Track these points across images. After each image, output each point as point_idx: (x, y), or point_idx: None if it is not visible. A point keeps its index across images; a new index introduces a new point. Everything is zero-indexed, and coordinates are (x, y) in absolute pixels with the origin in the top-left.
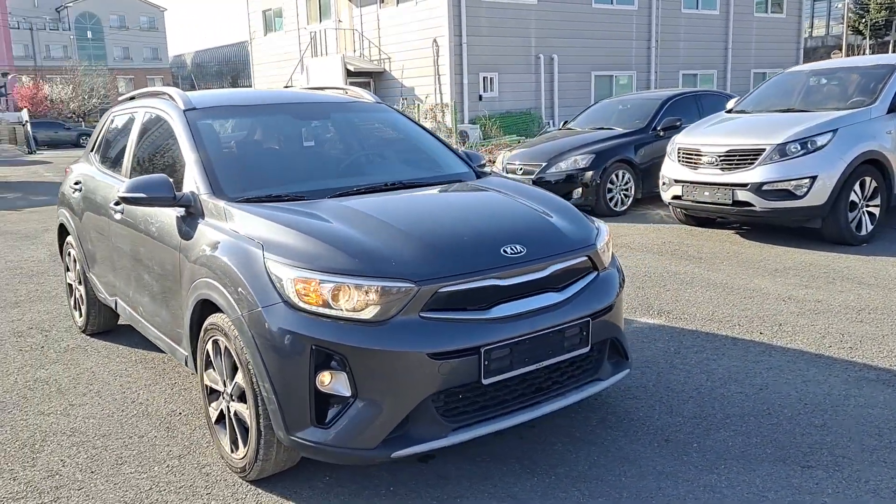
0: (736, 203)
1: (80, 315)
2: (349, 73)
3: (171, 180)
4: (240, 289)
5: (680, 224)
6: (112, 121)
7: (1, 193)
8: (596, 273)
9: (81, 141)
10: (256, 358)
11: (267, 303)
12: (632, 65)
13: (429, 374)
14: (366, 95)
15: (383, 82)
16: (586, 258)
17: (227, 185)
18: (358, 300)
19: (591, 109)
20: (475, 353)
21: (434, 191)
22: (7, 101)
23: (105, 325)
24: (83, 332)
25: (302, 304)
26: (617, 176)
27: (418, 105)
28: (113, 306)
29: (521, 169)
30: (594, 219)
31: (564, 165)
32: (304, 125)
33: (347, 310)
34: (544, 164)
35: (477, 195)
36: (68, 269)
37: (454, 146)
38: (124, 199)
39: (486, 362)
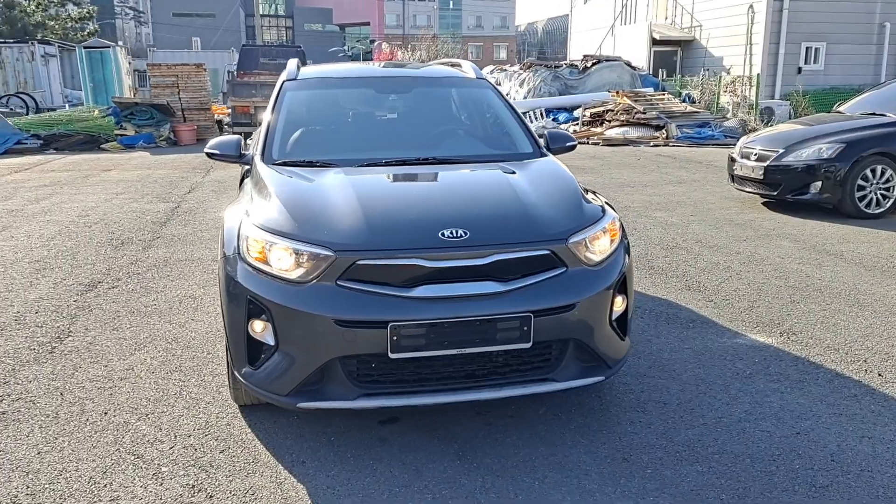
0: None
1: None
2: (654, 42)
3: (242, 141)
4: (225, 234)
5: None
6: None
7: None
8: (562, 269)
9: None
10: (221, 298)
11: (230, 251)
12: None
13: (335, 339)
14: (469, 71)
15: (690, 51)
16: (548, 252)
17: (277, 148)
18: (287, 261)
19: (876, 92)
20: (382, 326)
21: (452, 170)
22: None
23: None
24: None
25: (248, 258)
26: (873, 172)
27: (720, 77)
28: None
29: (755, 154)
30: (605, 212)
31: (805, 154)
32: (384, 98)
33: (278, 269)
34: (781, 151)
35: (479, 175)
36: None
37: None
38: (206, 153)
39: (395, 338)
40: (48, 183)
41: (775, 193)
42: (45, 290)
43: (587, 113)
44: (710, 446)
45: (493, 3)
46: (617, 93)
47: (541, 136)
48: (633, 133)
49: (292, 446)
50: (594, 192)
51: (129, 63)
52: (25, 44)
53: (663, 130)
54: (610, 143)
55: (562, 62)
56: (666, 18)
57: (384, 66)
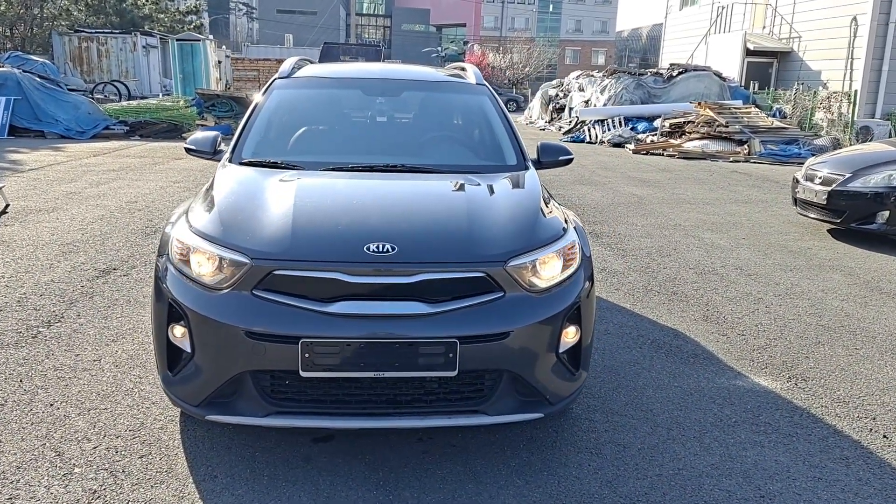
0: None
1: None
2: (748, 52)
3: (219, 138)
4: (163, 234)
5: None
6: None
7: None
8: (498, 294)
9: (508, 106)
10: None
11: (163, 252)
12: None
13: (245, 352)
14: (470, 76)
15: (787, 63)
16: (482, 275)
17: (248, 147)
18: (206, 266)
19: None
20: (294, 342)
21: (416, 180)
22: None
23: None
24: None
25: (174, 261)
26: None
27: (814, 92)
28: None
29: (820, 177)
30: (565, 233)
31: (874, 180)
32: (371, 100)
33: (198, 274)
34: (848, 175)
35: (436, 188)
36: None
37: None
38: (185, 149)
39: (307, 355)
40: (117, 168)
41: (838, 221)
42: (61, 273)
43: (667, 123)
44: (654, 502)
45: (594, 8)
46: (700, 104)
47: (617, 142)
48: (713, 147)
49: (213, 458)
50: (566, 211)
51: (227, 56)
52: (129, 34)
53: (746, 146)
54: (686, 156)
55: (647, 70)
56: (763, 28)
57: (386, 68)
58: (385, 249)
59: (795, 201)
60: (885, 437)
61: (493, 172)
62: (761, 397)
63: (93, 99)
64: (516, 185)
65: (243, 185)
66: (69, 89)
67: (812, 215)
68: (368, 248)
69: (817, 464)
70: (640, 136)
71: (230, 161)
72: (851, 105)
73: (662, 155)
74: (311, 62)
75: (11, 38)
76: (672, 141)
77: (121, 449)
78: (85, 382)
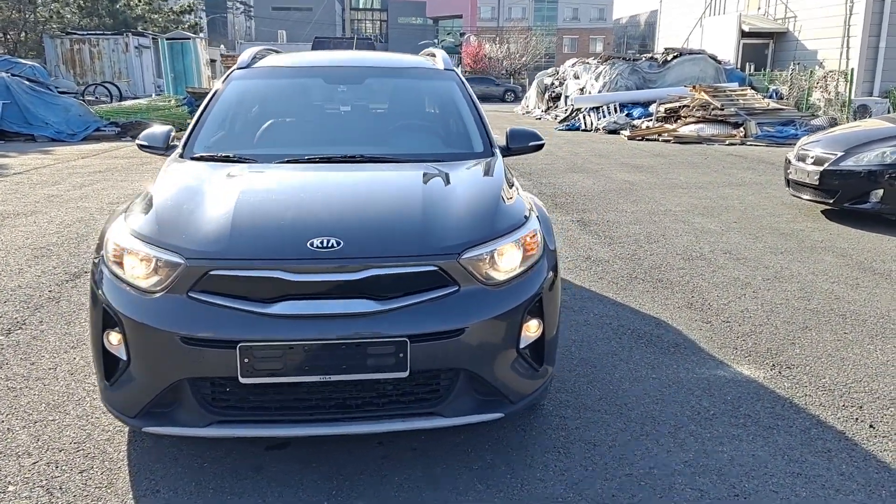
0: None
1: None
2: (743, 34)
3: (172, 133)
4: (101, 234)
5: None
6: None
7: None
8: (453, 289)
9: (506, 96)
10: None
11: (99, 254)
12: None
13: (182, 358)
14: (438, 62)
15: (783, 44)
16: (435, 269)
17: (201, 141)
18: (140, 268)
19: None
20: (232, 347)
21: (373, 170)
22: (458, 58)
23: None
24: None
25: (109, 262)
26: None
27: (811, 72)
28: None
29: (812, 157)
30: (527, 221)
31: (868, 158)
32: (331, 89)
33: (132, 276)
34: (840, 154)
35: (392, 178)
36: None
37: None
38: (137, 145)
39: (246, 360)
40: (104, 169)
41: (831, 201)
42: (31, 277)
43: (662, 108)
44: None
45: None
46: (695, 87)
47: (612, 129)
48: (708, 130)
49: (158, 471)
50: (532, 199)
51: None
52: (121, 35)
53: (741, 128)
54: (682, 140)
55: (641, 55)
56: (758, 9)
57: (351, 56)
58: (330, 245)
59: (788, 182)
60: (871, 426)
61: (458, 161)
62: (743, 387)
63: (84, 101)
64: (478, 173)
65: (187, 181)
66: (60, 92)
67: (805, 196)
68: (312, 244)
69: (797, 458)
70: (635, 122)
71: (181, 156)
72: (848, 83)
73: (658, 140)
74: (277, 52)
75: (4, 42)
76: (667, 126)
77: (62, 464)
78: (36, 393)
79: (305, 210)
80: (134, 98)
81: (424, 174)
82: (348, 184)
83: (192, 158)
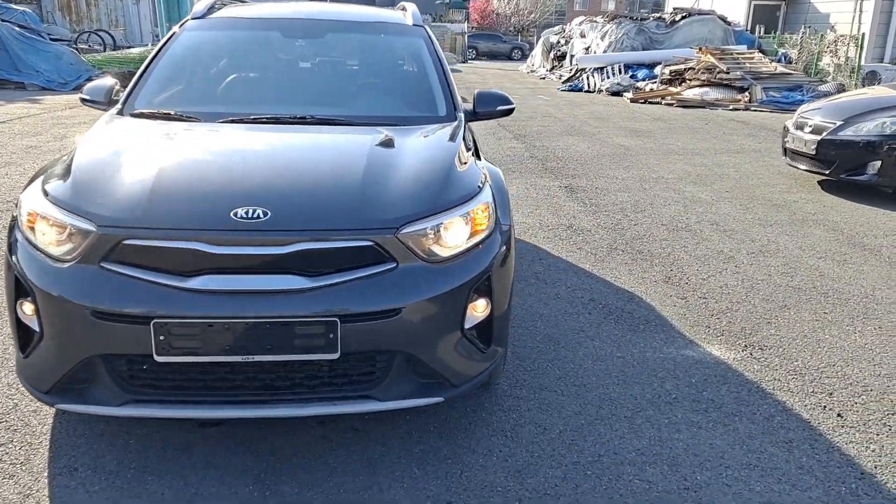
0: None
1: None
2: None
3: (115, 87)
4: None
5: None
6: None
7: None
8: (390, 265)
9: (513, 54)
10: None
11: (15, 216)
12: None
13: (93, 333)
14: (408, 17)
15: (795, 6)
16: (370, 244)
17: (141, 97)
18: (51, 234)
19: None
20: (145, 323)
21: (319, 133)
22: (466, 13)
23: None
24: None
25: (24, 227)
26: None
27: (821, 36)
28: None
29: (810, 126)
30: (480, 192)
31: (867, 128)
32: (289, 44)
33: (44, 243)
34: (839, 124)
35: (335, 142)
36: None
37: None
38: (80, 99)
39: (162, 337)
40: (88, 121)
41: (827, 172)
42: None
43: (667, 70)
44: (562, 496)
45: None
46: (700, 49)
47: (616, 90)
48: (713, 94)
49: (81, 447)
50: (491, 168)
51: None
52: None
53: (747, 93)
54: (685, 104)
55: (649, 15)
56: None
57: (314, 8)
58: (255, 215)
59: (785, 151)
60: (839, 415)
61: (417, 125)
62: (709, 369)
63: (77, 49)
64: (434, 140)
65: (115, 140)
66: (52, 39)
67: (801, 166)
68: (236, 214)
69: (756, 448)
70: (639, 84)
71: (121, 113)
72: (859, 49)
73: (661, 103)
74: (241, 2)
75: None
76: (671, 89)
77: None
78: None
79: (234, 177)
80: (129, 47)
81: (374, 139)
82: (286, 148)
83: (133, 115)
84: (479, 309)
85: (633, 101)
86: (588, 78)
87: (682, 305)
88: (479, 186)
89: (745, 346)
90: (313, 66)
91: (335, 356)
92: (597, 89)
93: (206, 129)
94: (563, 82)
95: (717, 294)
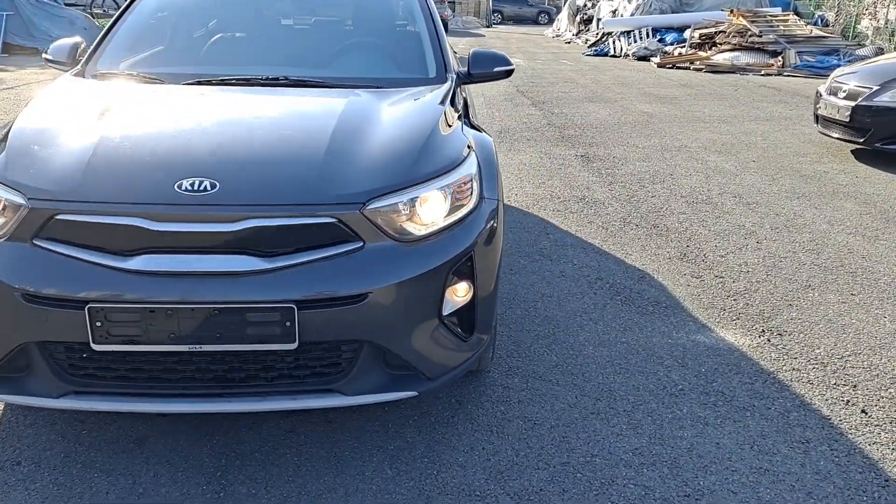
0: None
1: None
2: None
3: (80, 46)
4: None
5: None
6: None
7: None
8: (356, 244)
9: (540, 18)
10: None
11: None
12: None
13: (25, 318)
14: None
15: None
16: (333, 221)
17: (105, 56)
18: None
19: None
20: (80, 307)
21: (285, 96)
22: None
23: None
24: None
25: None
26: None
27: None
28: None
29: (845, 91)
30: (464, 162)
31: None
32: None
33: None
34: (876, 88)
35: (305, 106)
36: None
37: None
38: (44, 59)
39: (98, 323)
40: None
41: (862, 140)
42: None
43: (696, 34)
44: (546, 502)
45: None
46: (732, 11)
47: (643, 55)
48: (744, 59)
49: (28, 438)
50: (479, 136)
51: None
52: None
53: (780, 57)
54: (715, 69)
55: None
56: None
57: None
58: (202, 188)
59: (817, 119)
60: (863, 412)
61: (401, 87)
62: (722, 357)
63: (91, 14)
64: (416, 104)
65: (63, 104)
66: (67, 4)
67: (834, 134)
68: (180, 186)
69: (768, 449)
70: (667, 48)
71: (82, 73)
72: None
73: (689, 69)
74: None
75: None
76: (700, 53)
77: None
78: None
79: (181, 144)
80: None
81: (348, 103)
82: (248, 114)
83: (94, 77)
84: (459, 293)
85: (660, 65)
86: (614, 42)
87: (697, 285)
88: (462, 156)
89: (763, 331)
90: (295, 23)
91: (293, 346)
92: (623, 54)
93: (165, 92)
94: (588, 46)
95: (736, 273)
